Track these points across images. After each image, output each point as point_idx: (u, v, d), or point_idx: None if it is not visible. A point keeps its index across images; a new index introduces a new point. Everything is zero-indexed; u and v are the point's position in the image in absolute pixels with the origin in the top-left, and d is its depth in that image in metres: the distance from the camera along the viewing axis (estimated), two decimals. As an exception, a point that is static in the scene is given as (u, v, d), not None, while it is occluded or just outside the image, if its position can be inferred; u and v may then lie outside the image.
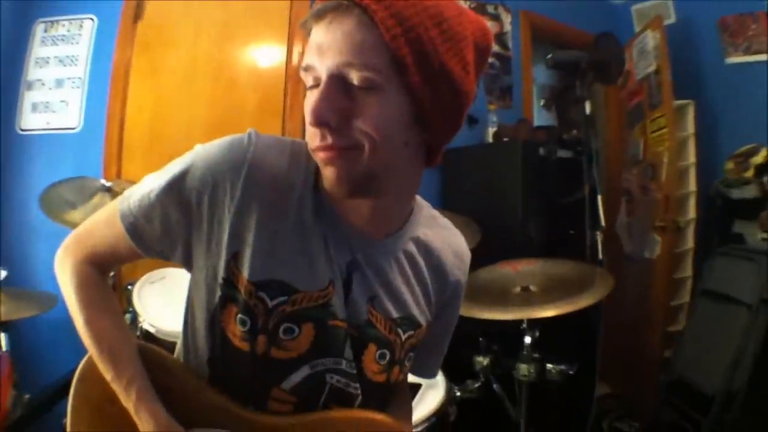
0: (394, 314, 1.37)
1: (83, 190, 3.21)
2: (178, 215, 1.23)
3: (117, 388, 1.26)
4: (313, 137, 1.15)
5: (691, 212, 4.70)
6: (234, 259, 1.22)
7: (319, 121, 1.10)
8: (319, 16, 1.12)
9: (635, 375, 4.85)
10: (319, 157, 1.16)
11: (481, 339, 3.03)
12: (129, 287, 3.12)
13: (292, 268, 1.23)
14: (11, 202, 3.69)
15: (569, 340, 3.10)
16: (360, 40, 1.08)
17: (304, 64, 1.14)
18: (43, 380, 3.01)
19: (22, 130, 3.80)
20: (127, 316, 3.14)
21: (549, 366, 2.82)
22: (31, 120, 3.82)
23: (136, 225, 1.28)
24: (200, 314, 1.30)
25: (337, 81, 1.11)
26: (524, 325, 2.79)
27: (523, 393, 2.87)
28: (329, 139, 1.12)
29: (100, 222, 1.35)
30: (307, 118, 1.13)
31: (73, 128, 3.82)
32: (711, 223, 4.51)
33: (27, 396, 3.01)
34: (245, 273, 1.21)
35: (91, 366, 1.30)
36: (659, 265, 4.76)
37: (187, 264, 1.31)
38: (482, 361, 2.96)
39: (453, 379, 2.75)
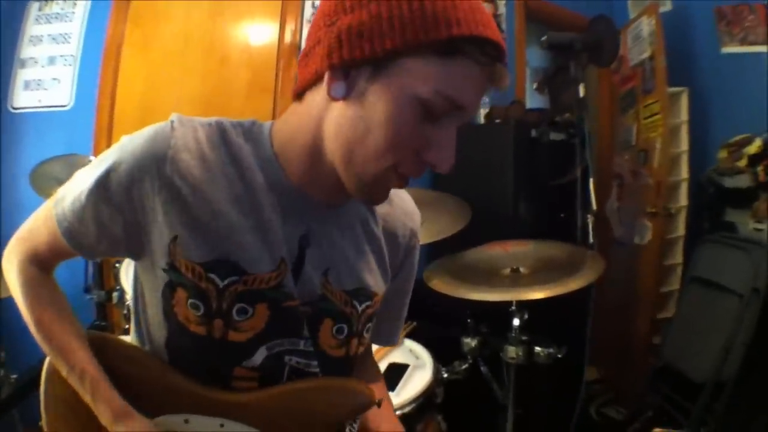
0: (350, 286, 1.36)
1: (73, 167, 3.13)
2: (110, 213, 1.20)
3: (73, 382, 1.26)
4: (408, 164, 1.15)
5: (683, 199, 4.70)
6: (173, 243, 1.19)
7: (448, 171, 1.14)
8: (500, 73, 1.14)
9: (623, 361, 4.86)
10: (393, 182, 1.19)
11: (469, 320, 3.02)
12: (117, 265, 3.13)
13: (238, 249, 1.21)
14: (2, 179, 3.66)
15: (558, 323, 3.09)
16: None
17: (461, 99, 1.11)
18: (31, 360, 2.97)
19: (14, 108, 3.76)
20: (115, 293, 3.16)
21: (537, 349, 2.81)
22: (23, 98, 3.78)
23: (71, 229, 1.26)
24: (152, 302, 1.28)
25: None
26: (513, 307, 2.78)
27: (510, 375, 2.86)
28: (415, 174, 1.18)
29: (39, 223, 1.33)
30: (435, 159, 1.14)
31: (65, 105, 3.79)
32: (702, 211, 4.50)
33: (14, 376, 2.99)
34: (190, 256, 1.19)
35: (53, 365, 1.32)
36: (649, 250, 4.75)
37: (135, 257, 1.28)
38: (470, 342, 2.95)
39: (440, 360, 2.74)
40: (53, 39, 3.82)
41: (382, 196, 1.25)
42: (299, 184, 1.26)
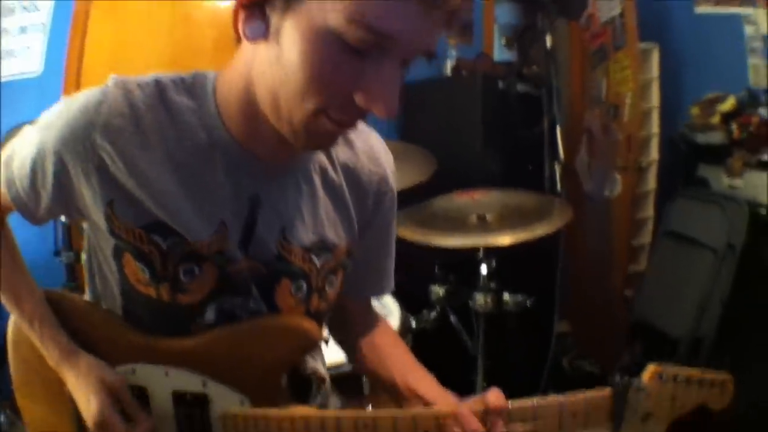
0: (308, 241, 1.31)
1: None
2: (46, 180, 1.19)
3: (24, 326, 1.31)
4: (339, 108, 1.01)
5: (654, 153, 4.67)
6: (110, 208, 1.17)
7: (389, 116, 1.00)
8: None
9: (597, 314, 4.86)
10: (327, 128, 1.03)
11: (436, 268, 3.00)
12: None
13: (173, 217, 1.17)
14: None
15: (527, 275, 3.08)
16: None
17: (383, 28, 0.90)
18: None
19: (-13, 78, 3.75)
20: (83, 254, 3.15)
21: (506, 296, 2.80)
22: (-4, 68, 3.77)
23: (19, 194, 1.25)
24: (105, 262, 1.27)
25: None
26: (480, 254, 2.76)
27: (480, 325, 2.85)
28: (352, 119, 1.06)
29: None
30: (368, 102, 0.98)
31: (34, 72, 3.79)
32: (674, 166, 4.48)
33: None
34: (128, 220, 1.17)
35: (17, 330, 1.39)
36: (620, 204, 4.74)
37: (79, 218, 1.27)
38: (438, 291, 2.95)
39: (408, 309, 2.72)
40: (24, 8, 3.79)
41: (326, 143, 1.15)
42: (244, 140, 1.19)
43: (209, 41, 4.02)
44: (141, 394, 1.29)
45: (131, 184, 1.14)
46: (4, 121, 3.51)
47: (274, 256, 1.27)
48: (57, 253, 3.39)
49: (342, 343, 1.64)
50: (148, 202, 1.15)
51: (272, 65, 1.01)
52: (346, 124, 1.06)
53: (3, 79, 3.71)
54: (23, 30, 3.78)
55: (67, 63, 3.81)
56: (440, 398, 1.39)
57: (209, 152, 1.18)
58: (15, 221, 1.38)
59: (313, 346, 1.36)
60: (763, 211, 3.37)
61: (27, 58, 3.78)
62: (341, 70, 0.96)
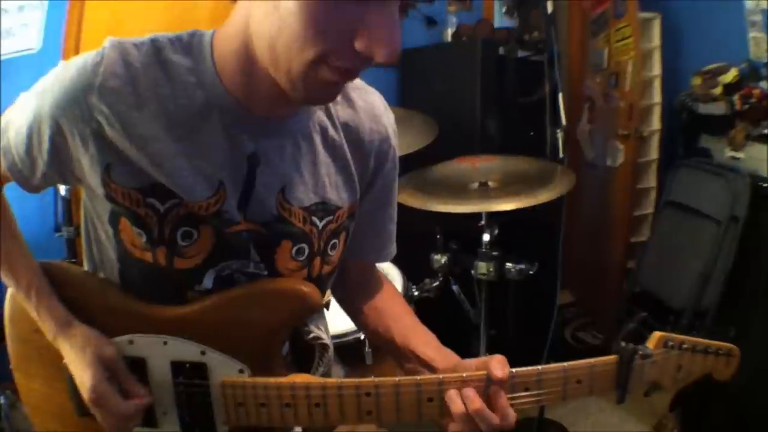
0: (308, 202, 1.29)
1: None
2: (46, 147, 1.17)
3: (21, 297, 1.31)
4: (339, 54, 0.99)
5: (655, 123, 4.64)
6: (106, 172, 1.15)
7: (392, 60, 0.97)
8: None
9: (598, 285, 4.85)
10: (327, 77, 1.01)
11: (438, 236, 2.97)
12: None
13: (171, 177, 1.14)
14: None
15: (530, 243, 3.05)
16: None
17: None
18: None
19: (-13, 57, 3.72)
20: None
21: (508, 264, 2.76)
22: (-6, 47, 3.75)
23: (14, 162, 1.24)
24: (102, 228, 1.25)
25: None
26: (482, 222, 2.72)
27: (482, 293, 2.82)
28: (353, 66, 1.02)
29: None
30: (368, 46, 0.96)
31: (32, 49, 3.74)
32: (676, 136, 4.46)
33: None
34: (124, 183, 1.15)
35: (14, 306, 1.38)
36: (622, 173, 4.72)
37: (76, 184, 1.25)
38: (440, 259, 2.90)
39: (410, 277, 2.69)
40: (23, -14, 3.77)
41: (326, 95, 1.13)
42: (241, 97, 1.17)
43: (206, 15, 3.96)
44: (140, 366, 1.27)
45: (128, 146, 1.12)
46: (4, 98, 3.51)
47: (273, 217, 1.25)
48: (57, 229, 3.35)
49: (343, 302, 1.63)
50: (145, 163, 1.13)
51: (270, 15, 0.99)
52: (347, 72, 1.03)
53: (2, 57, 3.70)
54: (21, 9, 3.75)
55: (65, 39, 3.77)
56: (440, 358, 1.37)
57: (206, 111, 1.16)
58: (15, 198, 1.37)
59: (312, 310, 1.31)
60: (764, 184, 3.34)
61: (25, 35, 3.75)
62: (340, 14, 0.95)
